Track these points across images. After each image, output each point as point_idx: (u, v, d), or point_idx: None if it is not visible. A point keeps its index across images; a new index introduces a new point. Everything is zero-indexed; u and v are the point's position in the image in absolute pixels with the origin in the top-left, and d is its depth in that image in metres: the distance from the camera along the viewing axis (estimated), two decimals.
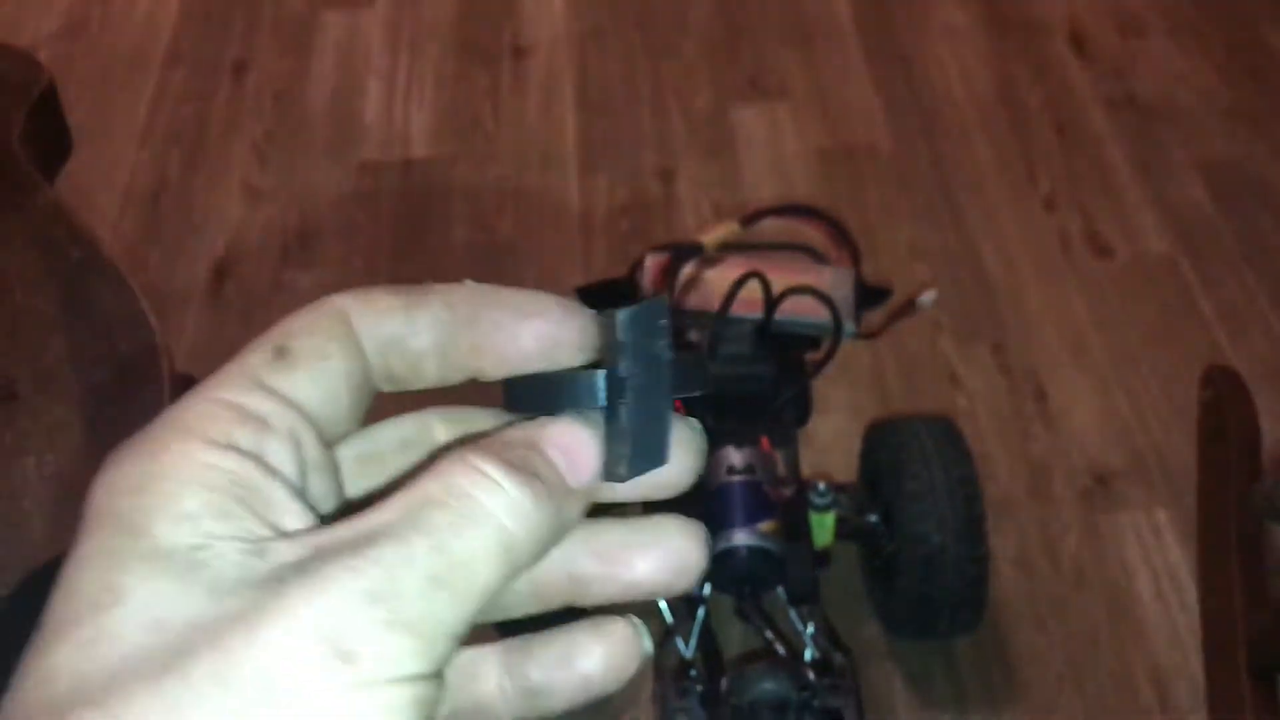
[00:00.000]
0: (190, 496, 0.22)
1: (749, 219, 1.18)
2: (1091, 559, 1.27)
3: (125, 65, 1.83)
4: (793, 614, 1.00)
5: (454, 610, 0.22)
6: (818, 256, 1.15)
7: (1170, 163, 1.64)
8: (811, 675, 0.93)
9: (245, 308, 1.52)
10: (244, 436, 0.23)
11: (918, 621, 1.16)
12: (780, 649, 0.96)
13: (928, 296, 1.11)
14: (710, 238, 1.14)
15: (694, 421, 0.27)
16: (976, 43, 1.82)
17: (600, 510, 0.26)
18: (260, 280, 1.56)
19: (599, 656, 0.26)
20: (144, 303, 0.65)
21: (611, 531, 0.26)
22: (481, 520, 0.22)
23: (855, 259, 1.15)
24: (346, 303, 0.26)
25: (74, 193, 0.81)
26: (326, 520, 0.24)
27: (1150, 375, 1.41)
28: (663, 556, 0.26)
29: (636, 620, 0.26)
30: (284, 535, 0.23)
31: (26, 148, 0.79)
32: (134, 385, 0.62)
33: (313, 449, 0.25)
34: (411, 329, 0.26)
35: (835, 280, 1.10)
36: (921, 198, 1.62)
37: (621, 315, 0.25)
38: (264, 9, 1.92)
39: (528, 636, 0.26)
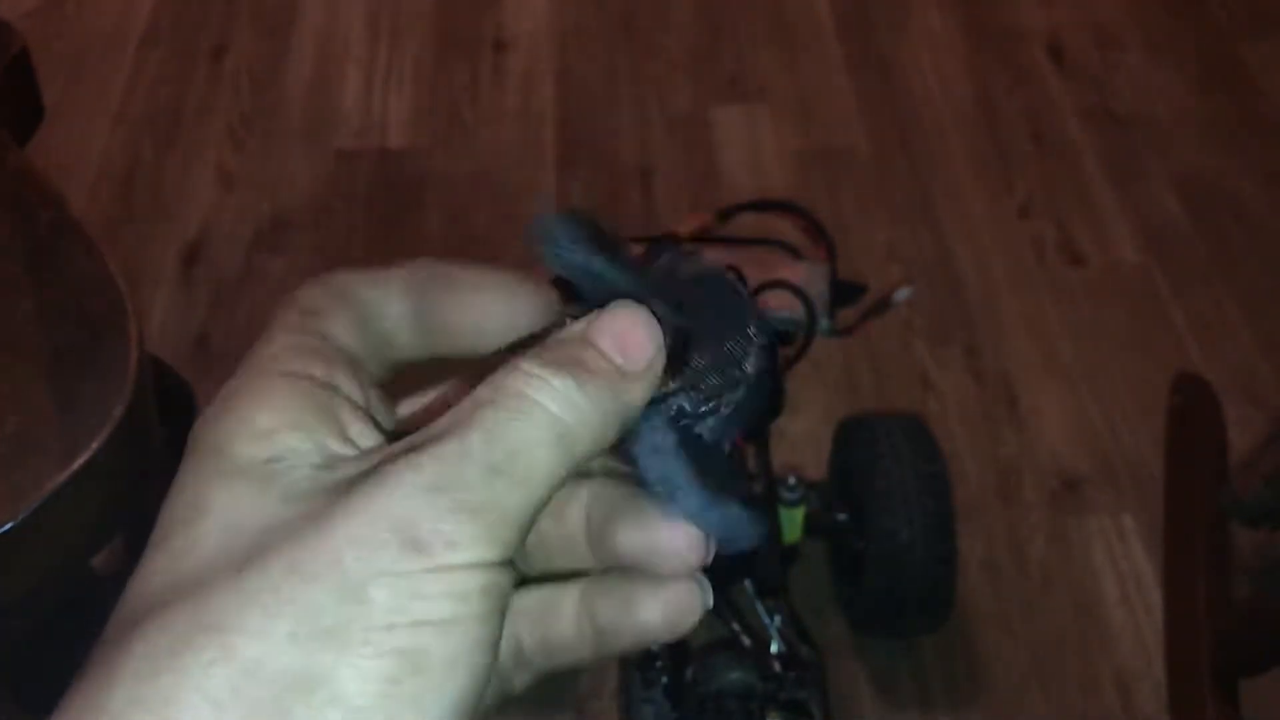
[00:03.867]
0: (263, 416, 0.24)
1: (725, 213, 1.18)
2: (1058, 562, 1.27)
3: (102, 45, 1.81)
4: (760, 607, 1.00)
5: (516, 496, 0.23)
6: (793, 252, 1.15)
7: (1144, 174, 1.66)
8: (777, 667, 0.93)
9: (215, 291, 1.51)
10: (318, 367, 0.25)
11: (884, 619, 1.16)
12: (746, 640, 0.96)
13: (903, 292, 1.11)
14: (686, 230, 1.14)
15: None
16: (956, 50, 1.83)
17: None
18: (231, 264, 1.54)
19: (657, 610, 0.27)
20: (112, 265, 0.64)
21: (624, 498, 0.27)
22: (531, 411, 0.23)
23: (831, 255, 1.15)
24: (330, 277, 0.28)
25: (47, 170, 0.80)
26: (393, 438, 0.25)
27: (1120, 382, 1.42)
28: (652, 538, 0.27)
29: (701, 576, 0.27)
30: (351, 452, 0.24)
31: None
32: (101, 346, 0.61)
33: (367, 379, 0.27)
34: (385, 294, 0.28)
35: (810, 276, 1.10)
36: (898, 201, 1.63)
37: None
38: None
39: (602, 576, 0.27)
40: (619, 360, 0.25)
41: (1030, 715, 1.17)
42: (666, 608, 0.27)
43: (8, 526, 0.56)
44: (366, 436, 0.25)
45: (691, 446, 0.25)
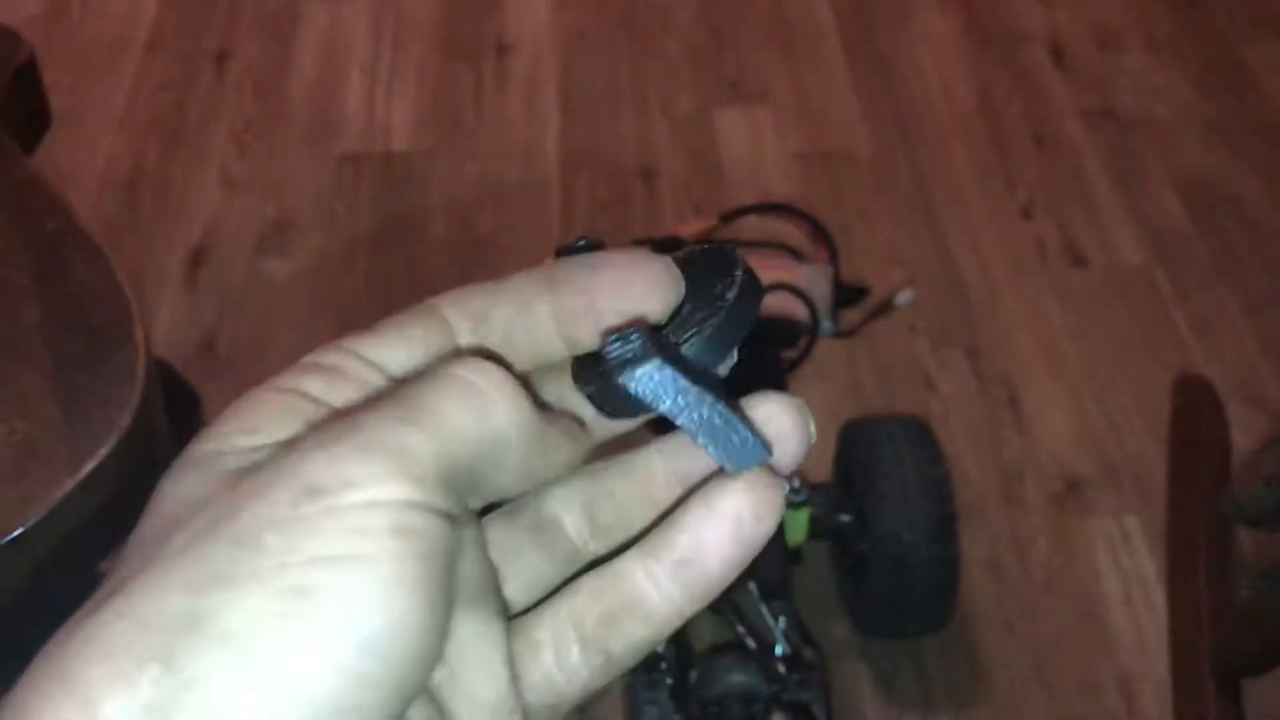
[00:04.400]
0: (231, 420, 0.24)
1: (729, 215, 1.18)
2: (1061, 563, 1.27)
3: (106, 51, 1.82)
4: (763, 609, 1.00)
5: (424, 443, 0.22)
6: (796, 255, 1.16)
7: (1146, 176, 1.66)
8: (781, 669, 0.93)
9: (220, 296, 1.52)
10: (312, 383, 0.25)
11: (887, 621, 1.17)
12: (750, 643, 0.97)
13: (905, 296, 1.11)
14: (689, 233, 1.15)
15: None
16: (957, 51, 1.83)
17: None
18: (236, 269, 1.55)
19: (741, 490, 0.25)
20: (119, 273, 0.65)
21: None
22: (449, 377, 0.23)
23: (833, 258, 1.15)
24: (436, 299, 0.27)
25: (51, 176, 0.80)
26: None
27: (1123, 384, 1.42)
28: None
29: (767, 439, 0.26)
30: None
31: (4, 119, 0.78)
32: (107, 353, 0.62)
33: None
34: (492, 301, 0.27)
35: (813, 278, 1.11)
36: (899, 203, 1.63)
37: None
38: None
39: (665, 521, 0.26)
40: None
41: (1033, 716, 1.18)
42: (750, 488, 0.25)
43: (15, 534, 0.56)
44: None
45: (681, 366, 0.25)
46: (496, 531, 0.28)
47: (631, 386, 0.24)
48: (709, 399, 0.25)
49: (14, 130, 0.78)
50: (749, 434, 0.25)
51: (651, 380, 0.24)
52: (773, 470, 0.26)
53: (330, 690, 0.20)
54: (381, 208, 1.63)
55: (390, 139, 1.71)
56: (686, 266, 0.27)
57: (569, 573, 0.28)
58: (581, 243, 0.28)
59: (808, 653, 0.97)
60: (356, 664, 0.20)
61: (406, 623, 0.21)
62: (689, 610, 0.26)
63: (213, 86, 1.78)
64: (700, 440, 0.25)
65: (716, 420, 0.25)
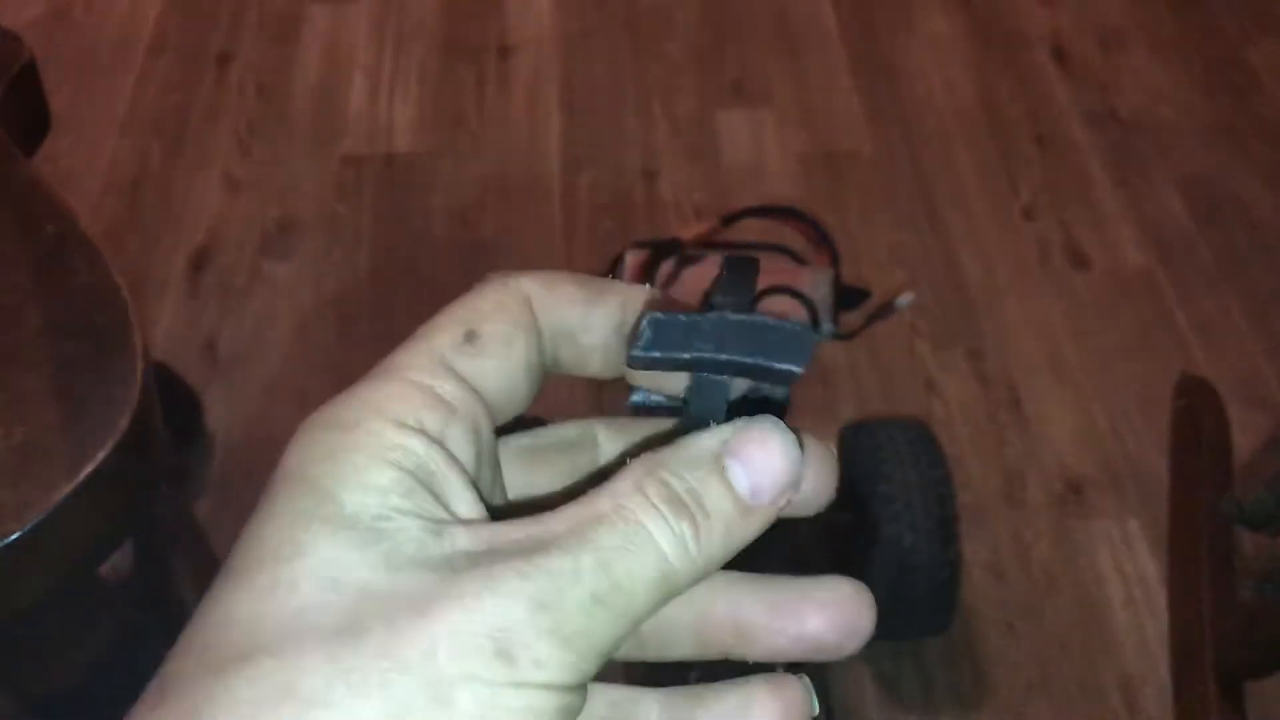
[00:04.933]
0: (379, 472, 0.23)
1: (730, 217, 1.18)
2: (1063, 565, 1.27)
3: (108, 52, 1.82)
4: None
5: (608, 629, 0.22)
6: (797, 257, 1.16)
7: (1149, 177, 1.66)
8: (781, 669, 0.93)
9: (223, 297, 1.52)
10: (432, 421, 0.24)
11: (889, 622, 1.16)
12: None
13: (905, 298, 1.11)
14: (690, 236, 1.15)
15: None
16: (959, 52, 1.83)
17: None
18: (239, 270, 1.55)
19: (774, 709, 0.26)
20: (118, 275, 0.65)
21: (785, 585, 0.27)
22: (646, 548, 0.23)
23: (834, 260, 1.15)
24: (531, 287, 0.26)
25: (54, 178, 0.80)
26: (494, 513, 0.24)
27: (1125, 385, 1.42)
28: (837, 615, 0.26)
29: (807, 680, 0.27)
30: (460, 522, 0.23)
31: (4, 122, 0.78)
32: (107, 357, 0.62)
33: (488, 437, 0.26)
34: (585, 325, 0.27)
35: (814, 280, 1.11)
36: (902, 204, 1.63)
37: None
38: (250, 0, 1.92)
39: (697, 687, 0.26)
40: (745, 496, 0.24)
41: (1034, 719, 1.18)
42: (784, 713, 0.26)
43: (15, 536, 0.56)
44: (468, 506, 0.24)
45: (688, 314, 0.25)
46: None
47: (643, 347, 0.25)
48: (726, 320, 0.25)
49: (14, 133, 0.79)
50: (787, 327, 0.25)
51: (655, 337, 0.25)
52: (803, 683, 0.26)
53: None
54: (384, 209, 1.63)
55: (392, 140, 1.71)
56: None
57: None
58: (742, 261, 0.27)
59: None
60: None
61: None
62: None
63: (215, 88, 1.78)
64: (745, 360, 0.25)
65: (746, 333, 0.25)
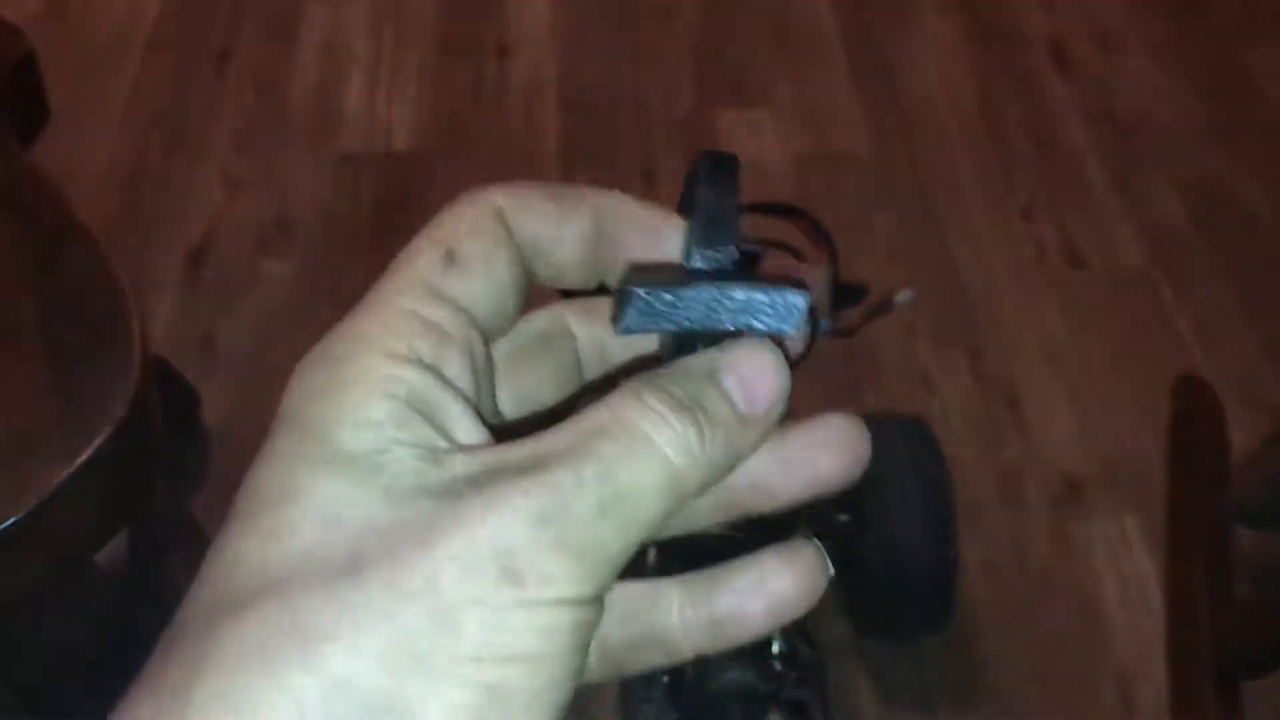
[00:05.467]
0: (375, 405, 0.23)
1: None
2: (1060, 564, 1.27)
3: (107, 49, 1.82)
4: None
5: (618, 538, 0.22)
6: (795, 254, 1.16)
7: (1147, 178, 1.66)
8: (778, 667, 0.93)
9: (220, 294, 1.52)
10: (425, 348, 0.24)
11: (886, 620, 1.16)
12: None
13: (905, 296, 1.11)
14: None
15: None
16: (958, 54, 1.83)
17: None
18: (236, 267, 1.55)
19: (792, 578, 0.26)
20: (116, 266, 0.65)
21: (790, 439, 0.26)
22: (649, 453, 0.23)
23: (833, 257, 1.15)
24: (503, 201, 0.26)
25: (52, 173, 0.80)
26: (495, 434, 0.24)
27: (1123, 385, 1.42)
28: (843, 452, 0.26)
29: (818, 544, 0.27)
30: (460, 448, 0.23)
31: (2, 113, 0.78)
32: (103, 345, 0.62)
33: (481, 356, 0.26)
34: (558, 238, 0.26)
35: (812, 278, 1.10)
36: (900, 205, 1.63)
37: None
38: None
39: (713, 568, 0.27)
40: (741, 406, 0.24)
41: (1031, 717, 1.17)
42: (800, 576, 0.26)
43: (11, 522, 0.56)
44: (468, 430, 0.24)
45: (671, 278, 0.25)
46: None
47: (627, 326, 0.24)
48: (710, 291, 0.24)
49: (12, 124, 0.79)
50: (776, 292, 0.25)
51: (640, 315, 0.24)
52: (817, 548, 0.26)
53: None
54: (382, 207, 1.63)
55: (391, 139, 1.71)
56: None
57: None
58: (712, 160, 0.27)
59: (805, 651, 0.97)
60: None
61: (562, 710, 0.22)
62: (708, 651, 0.27)
63: (214, 86, 1.78)
64: (731, 326, 0.25)
65: (732, 301, 0.24)
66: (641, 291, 0.24)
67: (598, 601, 0.22)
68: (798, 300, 0.25)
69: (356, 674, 0.20)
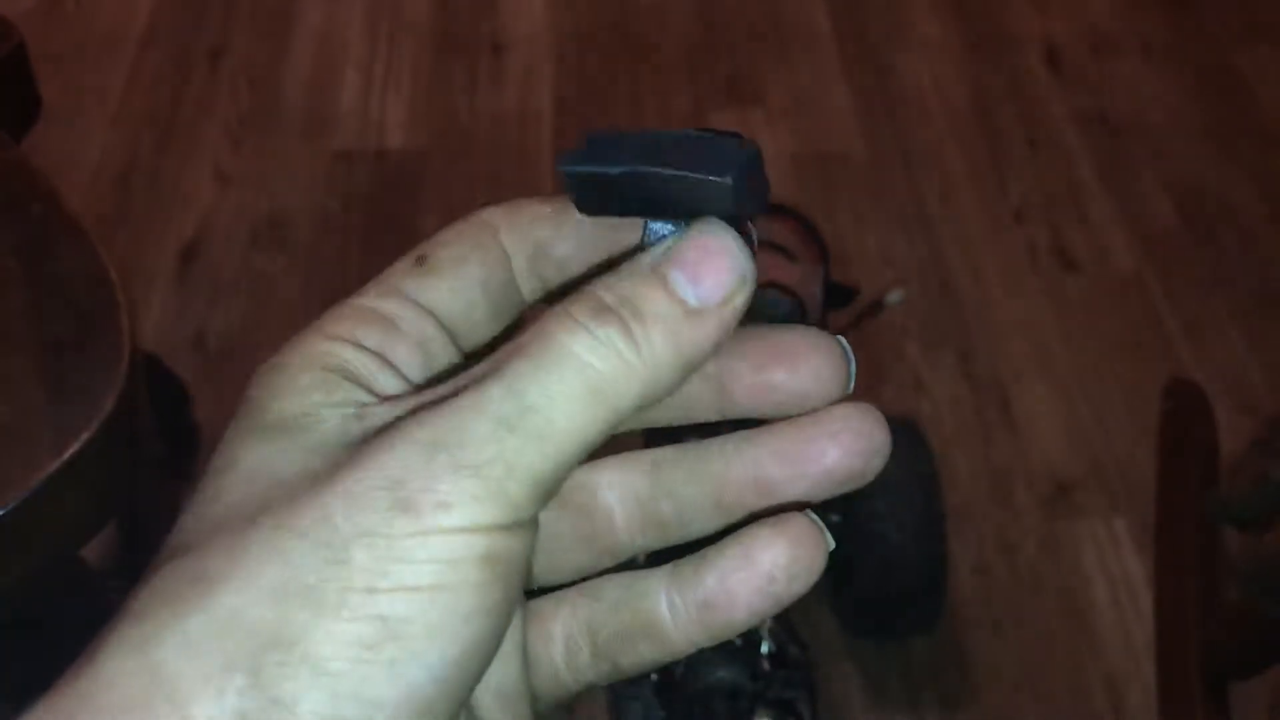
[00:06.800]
0: (303, 376, 0.23)
1: None
2: (1049, 566, 1.27)
3: (100, 45, 1.82)
4: None
5: (529, 454, 0.21)
6: (786, 254, 1.16)
7: (1139, 180, 1.66)
8: (766, 666, 0.93)
9: (212, 291, 1.51)
10: (368, 334, 0.24)
11: (875, 621, 1.16)
12: (736, 639, 0.96)
13: (895, 295, 1.11)
14: None
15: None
16: (952, 55, 1.84)
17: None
18: (228, 264, 1.55)
19: (782, 548, 0.24)
20: (105, 257, 0.64)
21: (793, 430, 0.25)
22: (560, 360, 0.22)
23: (824, 258, 1.15)
24: (494, 214, 0.26)
25: (44, 169, 0.80)
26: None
27: (1113, 387, 1.43)
28: (853, 441, 0.25)
29: (815, 517, 0.25)
30: (383, 400, 0.23)
31: None
32: (93, 339, 0.62)
33: (443, 356, 0.25)
34: (558, 235, 0.26)
35: (803, 278, 1.11)
36: (893, 206, 1.63)
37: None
38: None
39: (699, 552, 0.25)
40: (689, 296, 0.22)
41: (1020, 718, 1.18)
42: (792, 548, 0.24)
43: None
44: (398, 388, 0.24)
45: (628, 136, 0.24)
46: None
47: (571, 170, 0.24)
48: (662, 136, 0.23)
49: (2, 116, 0.78)
50: (721, 139, 0.23)
51: (587, 158, 0.24)
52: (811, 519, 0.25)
53: (402, 716, 0.21)
54: (375, 205, 1.63)
55: (385, 136, 1.71)
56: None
57: (604, 566, 0.27)
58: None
59: (794, 650, 0.97)
60: (427, 691, 0.21)
61: (479, 649, 0.21)
62: (704, 644, 0.25)
63: (207, 82, 1.78)
64: (674, 172, 0.23)
65: (679, 148, 0.23)
66: (596, 132, 0.24)
67: (517, 527, 0.21)
68: (745, 151, 0.22)
69: (244, 608, 0.20)
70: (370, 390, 0.24)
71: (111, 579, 0.87)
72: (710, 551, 0.25)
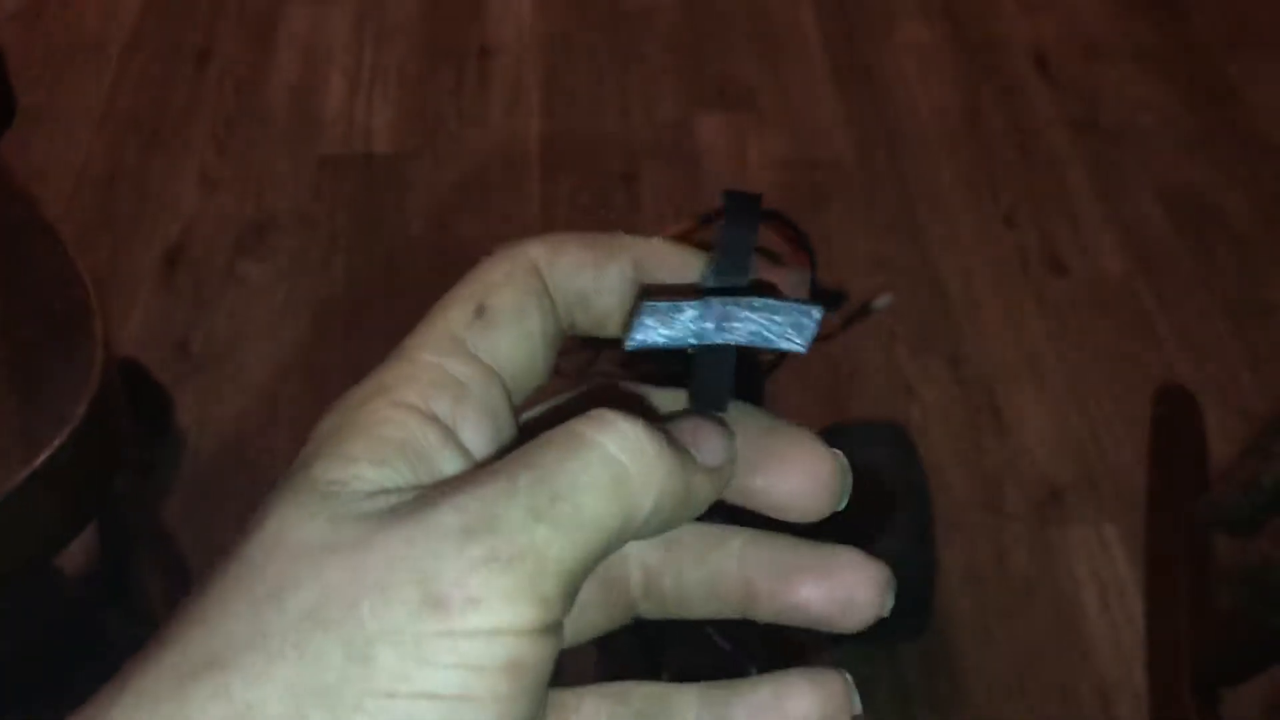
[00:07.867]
0: (354, 441, 0.22)
1: (707, 218, 1.17)
2: (1040, 571, 1.27)
3: (85, 49, 1.81)
4: None
5: (558, 545, 0.21)
6: (773, 258, 1.15)
7: (1129, 186, 1.66)
8: (754, 672, 0.92)
9: (196, 296, 1.50)
10: (440, 402, 0.23)
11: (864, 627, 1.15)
12: (725, 645, 0.95)
13: (882, 300, 1.11)
14: (668, 234, 1.14)
15: (837, 452, 0.26)
16: (942, 60, 1.83)
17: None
18: (213, 269, 1.53)
19: (813, 704, 0.25)
20: (79, 263, 0.63)
21: (798, 550, 0.26)
22: (586, 450, 0.21)
23: (811, 262, 1.14)
24: (538, 252, 0.25)
25: (28, 173, 0.79)
26: None
27: (1104, 392, 1.42)
28: (832, 588, 0.26)
29: (849, 677, 0.26)
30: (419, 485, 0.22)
31: None
32: (66, 343, 0.61)
33: (505, 415, 0.25)
34: (598, 287, 0.26)
35: (790, 282, 1.10)
36: (882, 211, 1.62)
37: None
38: None
39: (733, 680, 0.26)
40: (690, 448, 0.23)
41: None
42: (822, 703, 0.26)
43: None
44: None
45: (683, 296, 0.24)
46: None
47: (638, 340, 0.24)
48: (723, 305, 0.24)
49: None
50: (789, 307, 0.24)
51: (651, 326, 0.24)
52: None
53: None
54: (361, 209, 1.62)
55: (371, 141, 1.70)
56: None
57: (618, 625, 0.27)
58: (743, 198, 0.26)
59: (782, 656, 0.96)
60: None
61: None
62: None
63: (193, 86, 1.77)
64: (744, 339, 0.24)
65: (745, 314, 0.24)
66: (657, 303, 0.24)
67: (544, 634, 0.20)
68: (810, 313, 0.24)
69: (260, 703, 0.19)
70: (429, 468, 0.23)
71: (89, 586, 0.86)
72: (744, 685, 0.25)
